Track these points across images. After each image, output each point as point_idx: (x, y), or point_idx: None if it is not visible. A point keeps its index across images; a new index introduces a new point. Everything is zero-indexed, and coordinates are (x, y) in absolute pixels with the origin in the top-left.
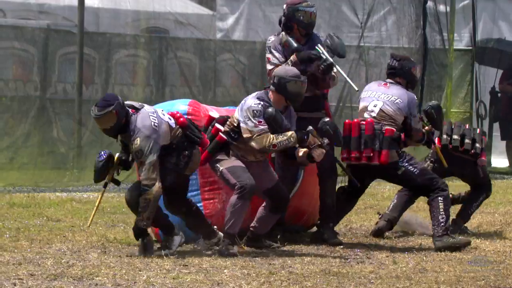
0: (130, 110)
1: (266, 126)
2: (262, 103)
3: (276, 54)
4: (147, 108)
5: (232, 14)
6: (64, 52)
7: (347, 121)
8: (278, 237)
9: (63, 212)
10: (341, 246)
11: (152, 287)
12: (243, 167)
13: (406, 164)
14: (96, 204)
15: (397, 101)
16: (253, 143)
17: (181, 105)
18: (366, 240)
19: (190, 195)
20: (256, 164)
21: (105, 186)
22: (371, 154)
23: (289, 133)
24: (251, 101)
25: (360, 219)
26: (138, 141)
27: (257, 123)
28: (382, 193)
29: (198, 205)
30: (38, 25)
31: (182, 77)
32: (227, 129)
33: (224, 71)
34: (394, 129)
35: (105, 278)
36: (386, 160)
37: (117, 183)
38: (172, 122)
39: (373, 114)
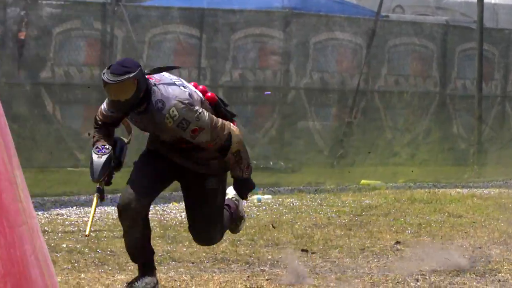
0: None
1: None
2: None
3: None
4: (167, 75)
5: None
6: (463, 48)
7: None
8: None
9: (464, 208)
10: None
11: None
12: None
13: None
14: (92, 213)
15: None
16: None
17: None
18: None
19: None
20: None
21: (98, 190)
22: None
23: None
24: None
25: None
26: (173, 110)
27: None
28: None
29: None
30: (436, 21)
31: None
32: None
33: None
34: None
35: (508, 275)
36: None
37: (102, 195)
38: (199, 94)
39: None
